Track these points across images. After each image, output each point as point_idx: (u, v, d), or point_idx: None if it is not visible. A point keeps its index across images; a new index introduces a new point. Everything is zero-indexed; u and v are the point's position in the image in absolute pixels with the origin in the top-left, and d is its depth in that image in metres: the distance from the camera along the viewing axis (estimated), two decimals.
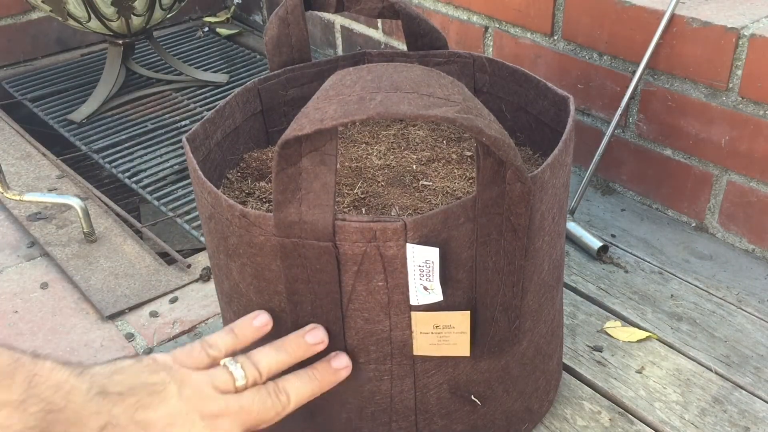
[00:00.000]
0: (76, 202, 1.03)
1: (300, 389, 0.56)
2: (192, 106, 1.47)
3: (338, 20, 1.50)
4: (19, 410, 0.44)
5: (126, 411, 0.48)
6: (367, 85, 0.50)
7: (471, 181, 0.70)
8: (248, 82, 0.75)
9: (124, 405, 0.48)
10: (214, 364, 0.56)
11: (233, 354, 0.57)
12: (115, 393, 0.48)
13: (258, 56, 1.66)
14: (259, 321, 0.59)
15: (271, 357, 0.56)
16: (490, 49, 1.19)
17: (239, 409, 0.53)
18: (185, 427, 0.50)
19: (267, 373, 0.55)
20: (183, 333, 0.88)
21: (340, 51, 1.53)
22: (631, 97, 1.00)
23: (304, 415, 0.64)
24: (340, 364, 0.58)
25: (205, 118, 0.68)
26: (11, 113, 1.43)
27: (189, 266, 0.98)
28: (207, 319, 0.89)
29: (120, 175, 1.27)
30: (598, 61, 1.04)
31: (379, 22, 1.40)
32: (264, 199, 0.70)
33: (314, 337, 0.57)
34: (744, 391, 0.77)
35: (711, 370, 0.80)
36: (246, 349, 0.58)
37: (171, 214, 1.14)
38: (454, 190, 0.69)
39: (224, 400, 0.52)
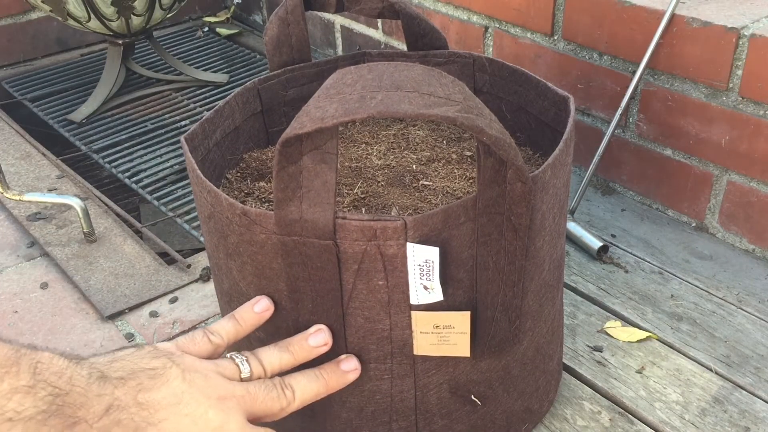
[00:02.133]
0: (76, 202, 1.03)
1: (306, 387, 0.56)
2: (192, 106, 1.47)
3: (338, 20, 1.50)
4: (30, 395, 0.44)
5: (128, 393, 0.48)
6: (368, 84, 0.50)
7: (471, 181, 0.70)
8: (248, 82, 0.75)
9: (126, 387, 0.48)
10: (217, 351, 0.56)
11: (236, 341, 0.58)
12: (115, 378, 0.48)
13: (258, 56, 1.66)
14: (260, 306, 0.58)
15: (274, 356, 0.56)
16: (490, 49, 1.19)
17: (245, 394, 0.53)
18: (191, 406, 0.50)
19: (271, 371, 0.56)
20: (183, 333, 0.87)
21: (340, 51, 1.53)
22: (631, 97, 1.00)
23: (304, 415, 0.64)
24: (349, 367, 0.58)
25: (204, 118, 0.68)
26: (11, 113, 1.43)
27: (189, 266, 0.98)
28: (207, 319, 0.89)
29: (120, 175, 1.27)
30: (598, 61, 1.04)
31: (379, 22, 1.40)
32: (263, 199, 0.70)
33: (317, 340, 0.57)
34: (744, 391, 0.77)
35: (711, 370, 0.80)
36: (249, 344, 0.59)
37: (171, 214, 1.14)
38: (454, 190, 0.69)
39: (231, 384, 0.53)
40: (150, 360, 0.51)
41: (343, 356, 0.59)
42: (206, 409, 0.50)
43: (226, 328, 0.57)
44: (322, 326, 0.58)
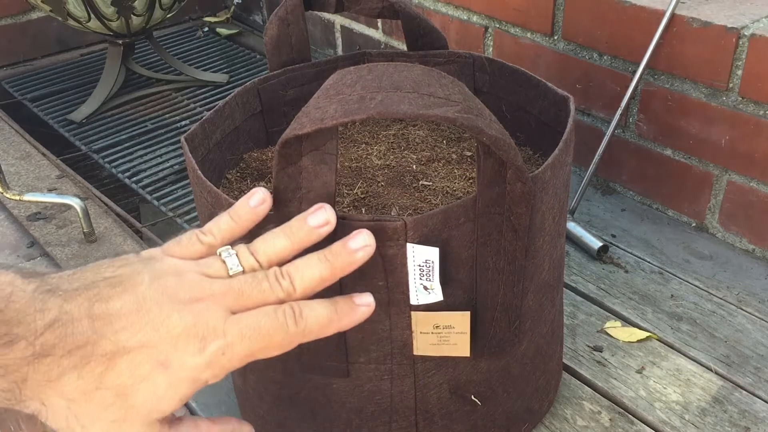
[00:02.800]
0: (76, 202, 1.03)
1: (306, 272, 0.47)
2: (192, 106, 1.47)
3: (338, 20, 1.50)
4: None
5: (81, 305, 0.42)
6: (368, 85, 0.50)
7: (471, 181, 0.70)
8: (248, 82, 0.75)
9: (79, 299, 0.42)
10: (210, 252, 0.48)
11: (232, 240, 0.50)
12: (68, 290, 0.42)
13: (258, 56, 1.66)
14: (255, 200, 0.50)
15: (268, 243, 0.48)
16: (490, 49, 1.19)
17: (227, 290, 0.45)
18: (153, 312, 0.43)
19: (267, 263, 0.47)
20: None
21: (340, 51, 1.53)
22: (631, 97, 1.00)
23: (304, 415, 0.64)
24: (357, 244, 0.48)
25: (204, 118, 0.68)
26: (11, 113, 1.43)
27: None
28: None
29: (120, 175, 1.27)
30: (598, 61, 1.04)
31: (379, 22, 1.40)
32: None
33: (317, 218, 0.49)
34: (744, 391, 0.77)
35: (711, 370, 0.80)
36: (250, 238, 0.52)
37: (171, 214, 1.14)
38: (454, 190, 0.69)
39: (209, 282, 0.45)
40: (118, 268, 0.44)
41: (354, 232, 0.49)
42: (169, 313, 0.43)
43: (220, 226, 0.49)
44: (325, 204, 0.50)
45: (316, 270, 0.47)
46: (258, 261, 0.47)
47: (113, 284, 0.43)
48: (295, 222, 0.49)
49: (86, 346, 0.41)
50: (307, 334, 0.46)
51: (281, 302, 0.46)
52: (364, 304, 0.48)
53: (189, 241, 0.48)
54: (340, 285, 0.55)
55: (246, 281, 0.45)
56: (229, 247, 0.48)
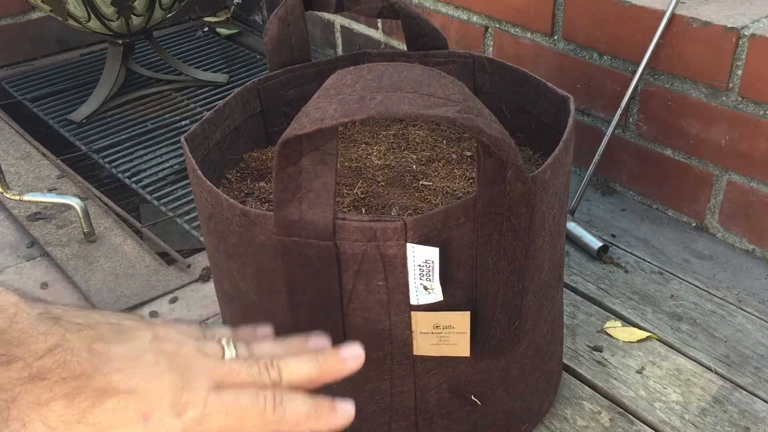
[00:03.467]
0: (76, 202, 1.03)
1: (295, 367, 0.49)
2: (192, 106, 1.47)
3: (338, 20, 1.50)
4: None
5: (83, 339, 0.43)
6: (368, 85, 0.50)
7: (471, 181, 0.70)
8: (248, 82, 0.75)
9: (82, 334, 0.43)
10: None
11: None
12: (72, 322, 0.43)
13: (258, 56, 1.66)
14: (262, 331, 0.54)
15: (267, 346, 0.51)
16: (490, 49, 1.19)
17: (218, 365, 0.47)
18: (149, 365, 0.44)
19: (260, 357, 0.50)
20: None
21: (340, 51, 1.53)
22: (631, 97, 1.00)
23: None
24: (349, 354, 0.51)
25: (204, 118, 0.68)
26: (11, 113, 1.43)
27: (189, 266, 0.98)
28: (207, 319, 0.89)
29: (120, 175, 1.27)
30: (598, 61, 1.04)
31: (379, 22, 1.40)
32: (263, 199, 0.70)
33: (316, 343, 0.52)
34: (744, 391, 0.77)
35: (711, 370, 0.80)
36: None
37: (171, 214, 1.14)
38: (454, 190, 0.69)
39: (204, 357, 0.47)
40: (123, 319, 0.46)
41: (348, 344, 0.52)
42: (164, 371, 0.44)
43: (225, 332, 0.51)
44: (324, 334, 0.53)
45: (306, 368, 0.49)
46: (252, 355, 0.49)
47: (116, 331, 0.45)
48: (294, 338, 0.52)
49: (81, 377, 0.42)
50: (282, 425, 0.47)
51: (264, 388, 0.47)
52: (344, 409, 0.50)
53: (196, 330, 0.50)
54: (340, 285, 0.55)
55: (237, 362, 0.48)
56: (231, 339, 0.50)
